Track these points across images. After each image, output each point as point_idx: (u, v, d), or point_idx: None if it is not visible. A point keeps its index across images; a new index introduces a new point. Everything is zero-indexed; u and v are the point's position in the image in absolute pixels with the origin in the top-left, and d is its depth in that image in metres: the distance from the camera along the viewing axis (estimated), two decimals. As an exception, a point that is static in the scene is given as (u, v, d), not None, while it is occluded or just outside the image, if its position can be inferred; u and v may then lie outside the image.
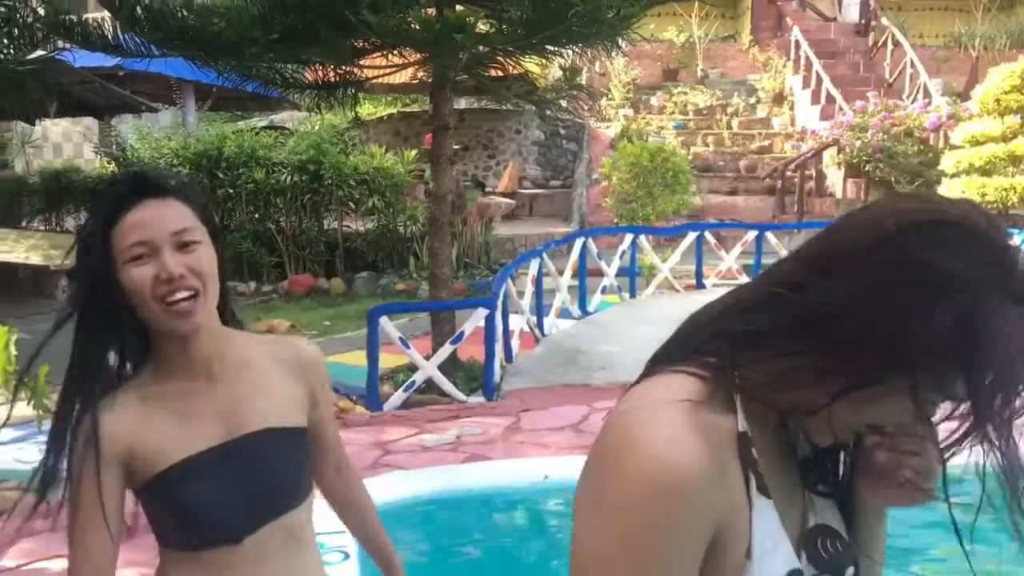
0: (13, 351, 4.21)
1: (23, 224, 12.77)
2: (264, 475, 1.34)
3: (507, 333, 6.66)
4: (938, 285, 0.77)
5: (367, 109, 15.68)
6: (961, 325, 0.76)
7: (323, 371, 1.49)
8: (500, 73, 6.48)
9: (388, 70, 6.22)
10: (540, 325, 7.53)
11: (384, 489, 4.15)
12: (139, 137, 12.16)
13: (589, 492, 0.85)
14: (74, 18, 4.61)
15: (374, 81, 6.86)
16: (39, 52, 4.35)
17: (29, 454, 5.14)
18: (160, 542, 1.35)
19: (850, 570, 0.93)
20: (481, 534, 3.77)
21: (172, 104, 12.83)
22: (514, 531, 3.79)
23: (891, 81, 14.52)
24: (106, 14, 4.63)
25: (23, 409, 5.03)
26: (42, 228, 13.00)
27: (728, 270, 9.90)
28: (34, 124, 12.04)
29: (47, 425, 4.96)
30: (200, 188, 10.60)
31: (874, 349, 0.79)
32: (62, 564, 3.44)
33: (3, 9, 3.85)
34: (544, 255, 8.02)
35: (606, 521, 0.82)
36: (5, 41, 3.74)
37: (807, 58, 15.16)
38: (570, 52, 6.82)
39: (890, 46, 14.88)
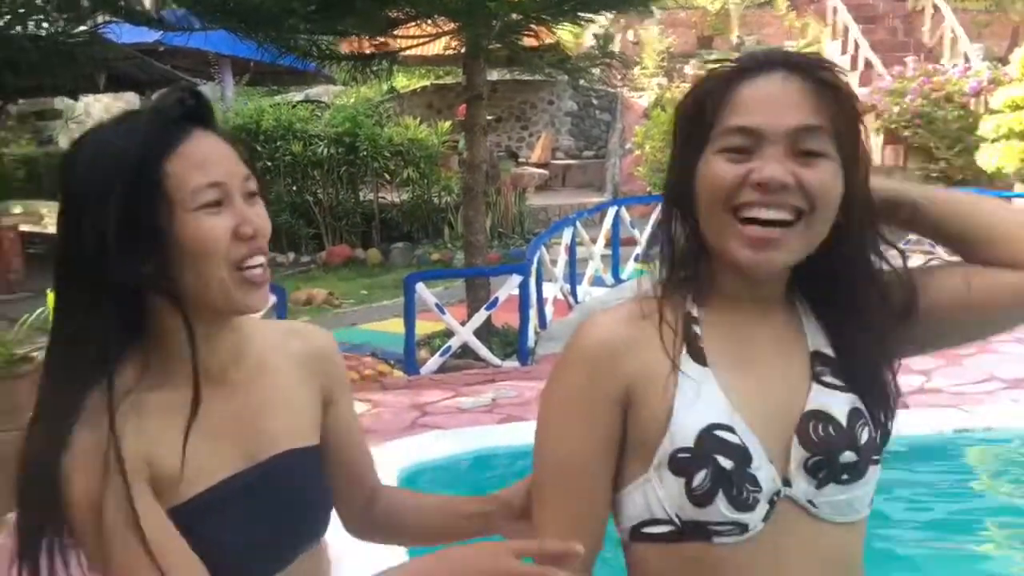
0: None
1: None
2: (295, 506, 1.11)
3: (541, 300, 6.77)
4: None
5: (401, 82, 15.77)
6: None
7: (341, 366, 1.24)
8: (533, 42, 6.52)
9: (422, 40, 6.30)
10: (574, 292, 7.62)
11: (421, 448, 4.30)
12: (179, 112, 12.38)
13: None
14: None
15: (408, 53, 6.94)
16: (83, 27, 4.48)
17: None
18: None
19: (847, 454, 0.99)
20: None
21: (210, 79, 13.03)
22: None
23: (931, 46, 14.25)
24: (148, -11, 4.76)
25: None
26: (87, 202, 13.31)
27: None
28: (77, 99, 12.30)
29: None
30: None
31: None
32: None
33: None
34: (577, 224, 8.09)
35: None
36: (54, 15, 3.87)
37: (845, 23, 14.92)
38: (603, 20, 6.83)
39: (930, 11, 14.58)
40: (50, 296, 4.52)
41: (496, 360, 5.93)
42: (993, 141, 9.90)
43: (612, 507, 1.05)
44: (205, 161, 0.98)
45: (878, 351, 1.05)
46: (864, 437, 1.01)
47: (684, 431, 0.97)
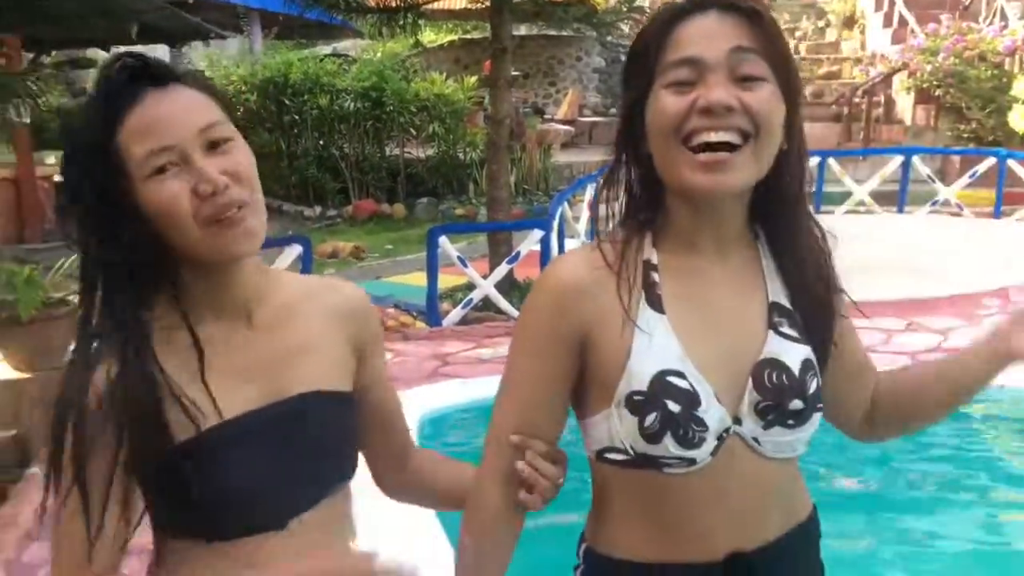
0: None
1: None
2: (316, 445, 1.11)
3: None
4: None
5: (428, 36, 15.69)
6: None
7: (375, 322, 1.26)
8: (559, -4, 6.50)
9: (448, -6, 6.30)
10: (596, 248, 7.66)
11: (442, 395, 4.43)
12: (209, 64, 12.46)
13: None
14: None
15: (434, 6, 6.95)
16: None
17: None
18: (165, 532, 1.08)
19: (795, 402, 1.08)
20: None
21: (239, 32, 13.06)
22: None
23: (967, 4, 13.92)
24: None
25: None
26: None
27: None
28: (109, 51, 12.39)
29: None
30: (269, 114, 10.88)
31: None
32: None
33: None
34: (600, 180, 8.10)
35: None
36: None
37: (881, -21, 14.62)
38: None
39: (969, -34, 14.22)
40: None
41: (516, 313, 6.01)
42: (1026, 101, 9.75)
43: (582, 431, 1.15)
44: (150, 126, 0.99)
45: (828, 305, 1.15)
46: (812, 387, 1.10)
47: (639, 375, 1.05)
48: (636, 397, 1.05)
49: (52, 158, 11.50)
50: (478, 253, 7.41)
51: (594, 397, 1.11)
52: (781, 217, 1.13)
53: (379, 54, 12.07)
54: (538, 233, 6.04)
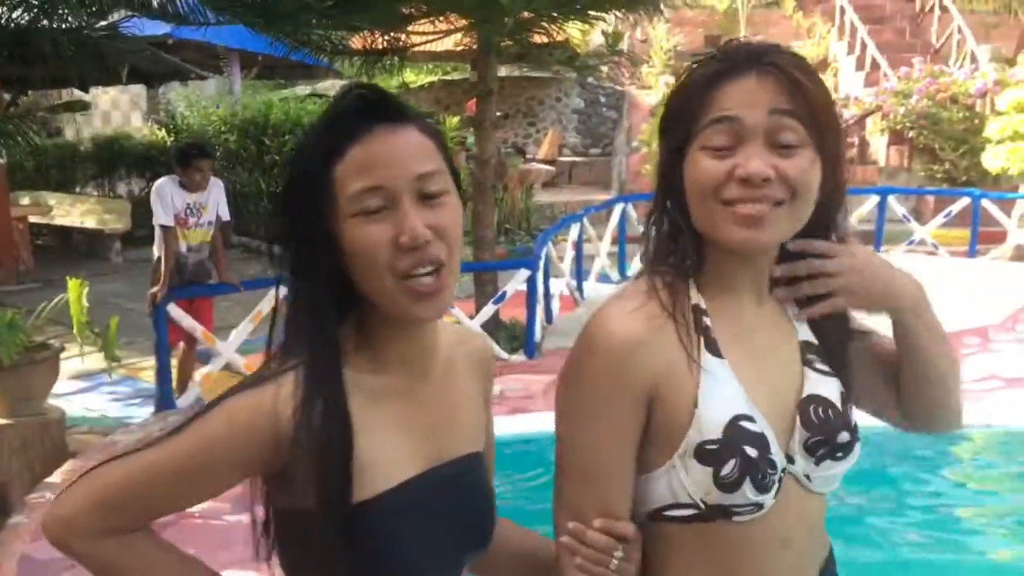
0: (85, 303, 4.47)
1: (77, 189, 13.16)
2: (470, 512, 1.08)
3: (548, 295, 6.83)
4: None
5: (409, 77, 15.81)
6: None
7: (494, 369, 1.23)
8: (543, 39, 6.58)
9: (434, 36, 6.36)
10: (580, 288, 7.69)
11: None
12: (187, 105, 12.45)
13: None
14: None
15: (418, 49, 7.00)
16: (104, 22, 4.55)
17: (98, 403, 5.46)
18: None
19: (843, 434, 1.10)
20: (519, 471, 4.01)
21: (219, 72, 13.08)
22: (547, 469, 4.02)
23: (938, 47, 14.29)
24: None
25: (93, 361, 5.33)
26: (95, 193, 13.40)
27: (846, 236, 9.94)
28: (87, 91, 12.37)
29: (116, 375, 5.22)
30: (249, 154, 10.87)
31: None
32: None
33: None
34: (585, 220, 8.16)
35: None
36: (79, 10, 3.94)
37: (852, 24, 14.96)
38: (613, 17, 6.89)
39: (937, 11, 14.61)
40: (71, 283, 4.61)
41: (503, 354, 6.00)
42: (998, 143, 9.95)
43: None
44: (369, 163, 0.95)
45: (848, 340, 1.17)
46: (854, 419, 1.12)
47: (710, 423, 1.03)
48: (709, 446, 1.03)
49: (27, 199, 11.39)
50: (464, 292, 7.39)
51: (652, 451, 1.07)
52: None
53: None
54: (524, 273, 6.04)
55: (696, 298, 1.09)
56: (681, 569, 1.09)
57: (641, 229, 1.11)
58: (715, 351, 1.07)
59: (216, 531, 3.44)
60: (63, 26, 3.96)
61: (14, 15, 3.94)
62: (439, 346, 1.08)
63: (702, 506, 1.05)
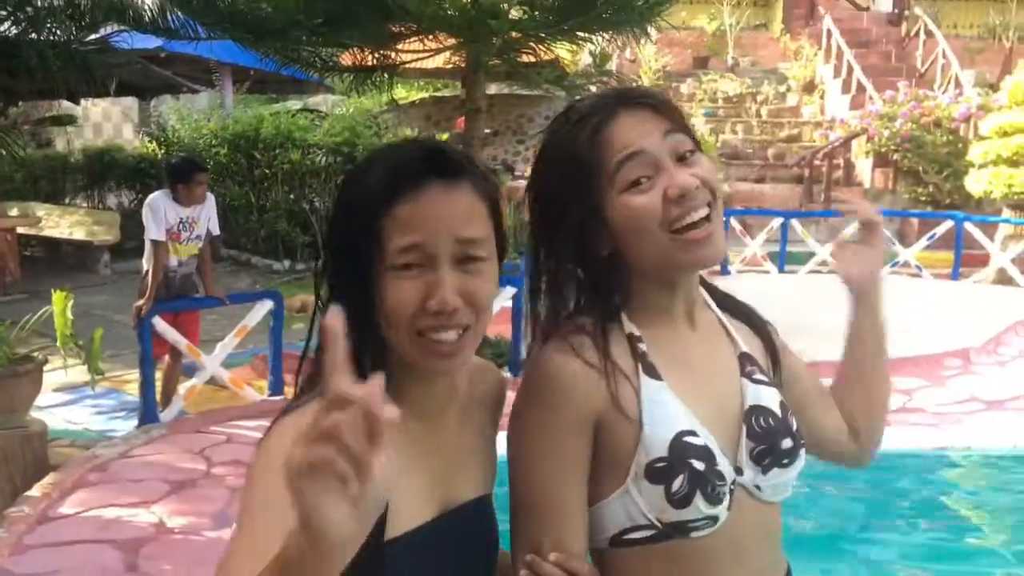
0: (70, 315, 4.47)
1: (66, 201, 13.14)
2: (475, 557, 1.08)
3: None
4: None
5: (400, 93, 15.85)
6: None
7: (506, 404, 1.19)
8: (532, 58, 6.64)
9: (423, 54, 6.41)
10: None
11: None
12: (179, 118, 12.47)
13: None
14: (126, 0, 4.84)
15: (409, 66, 7.05)
16: (94, 36, 4.58)
17: (81, 415, 5.44)
18: None
19: (786, 441, 1.14)
20: (501, 485, 4.00)
21: (211, 86, 13.12)
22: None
23: (923, 71, 14.47)
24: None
25: (77, 374, 5.32)
26: (85, 205, 13.37)
27: (753, 256, 10.02)
28: (77, 103, 12.38)
29: (100, 388, 5.19)
30: (239, 167, 10.87)
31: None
32: (115, 512, 3.72)
33: (65, -7, 4.09)
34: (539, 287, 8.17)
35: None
36: (68, 23, 3.97)
37: (839, 47, 15.14)
38: (601, 38, 6.96)
39: (922, 36, 14.81)
40: (55, 295, 4.61)
41: (489, 370, 6.01)
42: (981, 167, 10.08)
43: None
44: (413, 220, 0.94)
45: (771, 343, 1.25)
46: (794, 423, 1.16)
47: (656, 442, 1.06)
48: (658, 464, 1.06)
49: (15, 210, 11.37)
50: (449, 309, 7.39)
51: (604, 480, 1.09)
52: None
53: (351, 110, 12.17)
54: (511, 290, 6.07)
55: (630, 327, 1.13)
56: None
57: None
58: (654, 374, 1.10)
59: (196, 547, 3.44)
60: (52, 39, 3.98)
61: (1, 27, 3.96)
62: (457, 388, 1.08)
63: (659, 525, 1.07)
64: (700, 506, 1.05)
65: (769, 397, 1.16)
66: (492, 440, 1.15)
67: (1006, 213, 9.92)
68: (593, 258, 1.12)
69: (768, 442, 1.12)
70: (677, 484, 1.05)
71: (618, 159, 1.07)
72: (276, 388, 5.44)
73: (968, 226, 9.38)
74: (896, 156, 12.00)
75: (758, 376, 1.17)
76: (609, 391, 1.08)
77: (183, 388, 5.24)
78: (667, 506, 1.05)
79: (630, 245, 1.09)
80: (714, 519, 1.07)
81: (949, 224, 9.43)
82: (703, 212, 1.07)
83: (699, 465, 1.05)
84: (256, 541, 0.82)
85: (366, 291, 0.96)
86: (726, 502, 1.08)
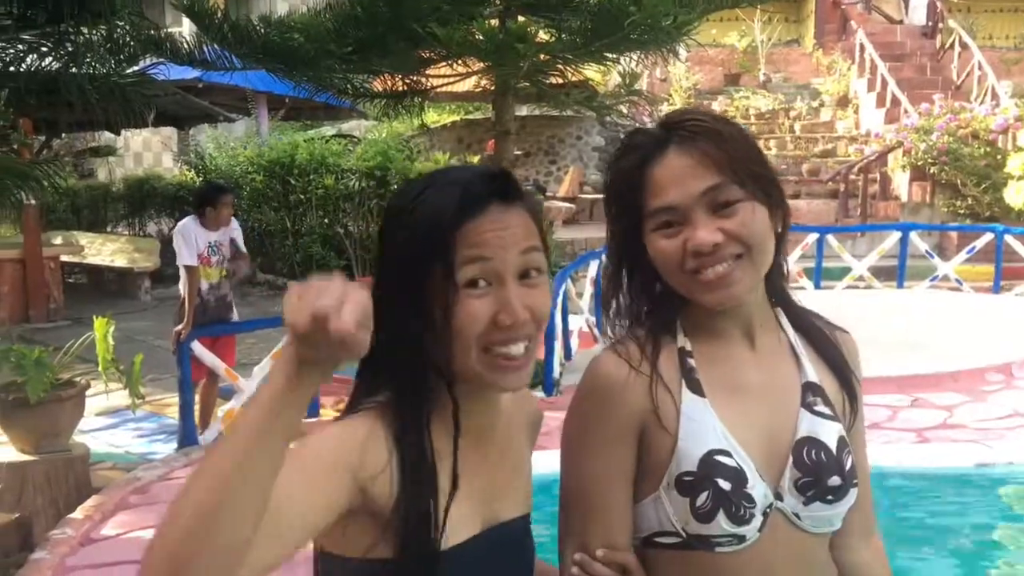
0: (111, 341, 4.57)
1: (108, 229, 13.45)
2: (517, 573, 1.12)
3: (567, 331, 6.86)
4: None
5: (431, 117, 16.04)
6: None
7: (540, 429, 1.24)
8: (560, 80, 6.69)
9: (452, 79, 6.49)
10: (599, 325, 7.71)
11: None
12: (216, 146, 12.73)
13: None
14: (164, 34, 4.98)
15: (439, 90, 7.14)
16: (133, 68, 4.71)
17: (122, 439, 5.54)
18: None
19: (835, 478, 1.13)
20: (537, 507, 4.00)
21: (247, 114, 13.38)
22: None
23: (959, 83, 14.29)
24: (183, 28, 4.99)
25: (118, 398, 5.43)
26: (126, 233, 13.67)
27: (788, 272, 9.92)
28: (119, 134, 12.70)
29: (141, 412, 5.29)
30: (275, 193, 11.06)
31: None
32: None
33: (104, 28, 4.21)
34: (603, 257, 8.19)
35: (567, 413, 1.19)
36: (107, 57, 4.10)
37: (872, 61, 15.02)
38: (630, 59, 6.99)
39: (957, 48, 14.64)
40: (97, 322, 4.72)
41: (522, 390, 6.02)
42: (1020, 178, 9.91)
43: None
44: (482, 241, 0.98)
45: (850, 384, 1.21)
46: (848, 463, 1.15)
47: (688, 457, 1.10)
48: (686, 478, 1.10)
49: (59, 238, 11.66)
50: (482, 330, 7.42)
51: (643, 482, 1.14)
52: (788, 296, 1.23)
53: (383, 134, 12.34)
54: (542, 311, 6.08)
55: (683, 341, 1.17)
56: None
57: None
58: (697, 390, 1.13)
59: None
60: (91, 72, 4.11)
61: (43, 63, 4.09)
62: (503, 409, 1.11)
63: (684, 535, 1.10)
64: (723, 524, 1.08)
65: (826, 431, 1.15)
66: (529, 461, 1.18)
67: (1047, 225, 9.74)
68: (646, 276, 1.17)
69: (814, 475, 1.13)
70: (702, 500, 1.08)
71: (651, 207, 1.11)
72: (312, 410, 5.49)
73: (1008, 238, 9.22)
74: (933, 169, 11.84)
75: (820, 408, 1.17)
76: (651, 401, 1.12)
77: (221, 411, 5.32)
78: (691, 519, 1.09)
79: (663, 274, 1.14)
80: (740, 538, 1.09)
81: (989, 237, 9.27)
82: (722, 268, 1.08)
83: (725, 485, 1.08)
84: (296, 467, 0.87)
85: (424, 308, 0.98)
86: (755, 523, 1.10)
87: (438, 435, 1.01)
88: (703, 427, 1.11)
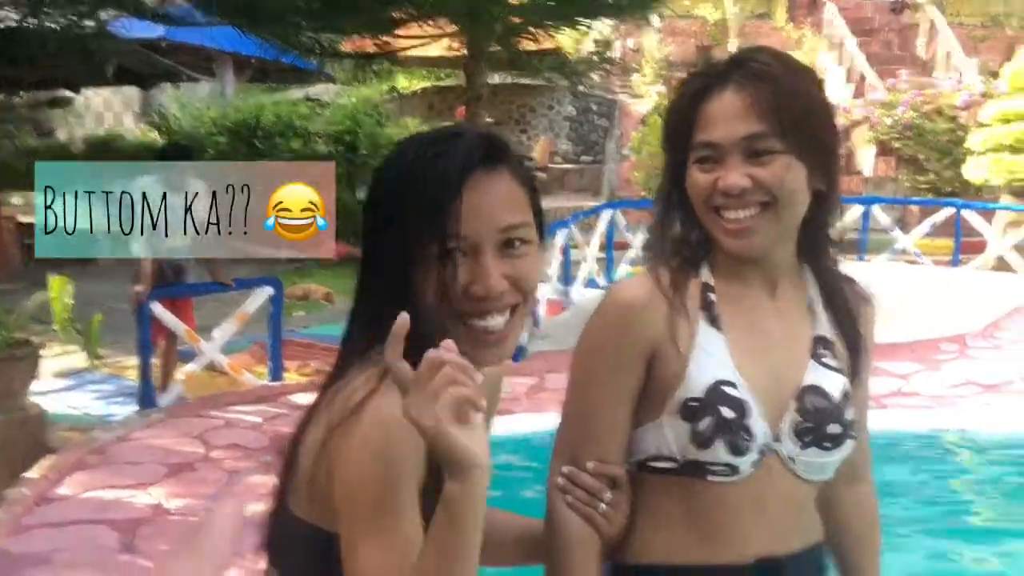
0: (69, 300, 4.50)
1: (68, 190, 13.17)
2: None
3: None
4: None
5: (402, 83, 15.86)
6: None
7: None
8: (533, 46, 6.65)
9: (423, 41, 6.42)
10: (567, 293, 7.73)
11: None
12: (179, 107, 12.48)
13: None
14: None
15: (409, 54, 7.07)
16: (91, 22, 4.59)
17: (81, 400, 5.48)
18: None
19: (834, 427, 1.17)
20: (504, 469, 4.03)
21: (211, 75, 13.11)
22: (532, 471, 4.04)
23: (926, 60, 14.42)
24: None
25: (78, 360, 5.35)
26: (86, 194, 13.38)
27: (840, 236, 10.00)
28: (78, 92, 12.39)
29: (100, 373, 5.25)
30: (240, 156, 10.89)
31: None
32: (113, 494, 3.74)
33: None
34: (572, 226, 8.20)
35: (581, 334, 1.22)
36: (67, 9, 3.98)
37: (841, 36, 15.08)
38: (603, 26, 6.95)
39: (925, 25, 14.75)
40: (52, 281, 4.64)
41: (487, 356, 6.03)
42: (981, 154, 10.04)
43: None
44: (470, 209, 0.95)
45: (858, 343, 1.24)
46: (849, 414, 1.18)
47: (696, 383, 1.14)
48: (691, 403, 1.13)
49: (17, 197, 11.39)
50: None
51: (645, 408, 1.18)
52: (822, 257, 1.24)
53: (352, 99, 12.16)
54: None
55: (707, 277, 1.20)
56: (661, 518, 1.19)
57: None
58: (715, 324, 1.17)
59: (193, 528, 3.47)
60: (52, 25, 4.00)
61: (1, 15, 3.97)
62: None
63: (679, 460, 1.14)
64: (720, 451, 1.12)
65: (831, 382, 1.19)
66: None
67: (1006, 200, 9.89)
68: (685, 209, 1.20)
69: (815, 422, 1.16)
70: (703, 425, 1.12)
71: (696, 139, 1.15)
72: (276, 374, 5.46)
73: (967, 213, 9.36)
74: (897, 144, 11.97)
75: (828, 360, 1.20)
76: (669, 324, 1.15)
77: (181, 373, 5.27)
78: (690, 444, 1.13)
79: (694, 207, 1.18)
80: (733, 468, 1.13)
81: (949, 211, 9.41)
82: (746, 212, 1.12)
83: (728, 414, 1.12)
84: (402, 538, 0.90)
85: (411, 276, 0.96)
86: (750, 458, 1.13)
87: None
88: (715, 359, 1.15)
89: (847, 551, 1.34)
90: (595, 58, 7.73)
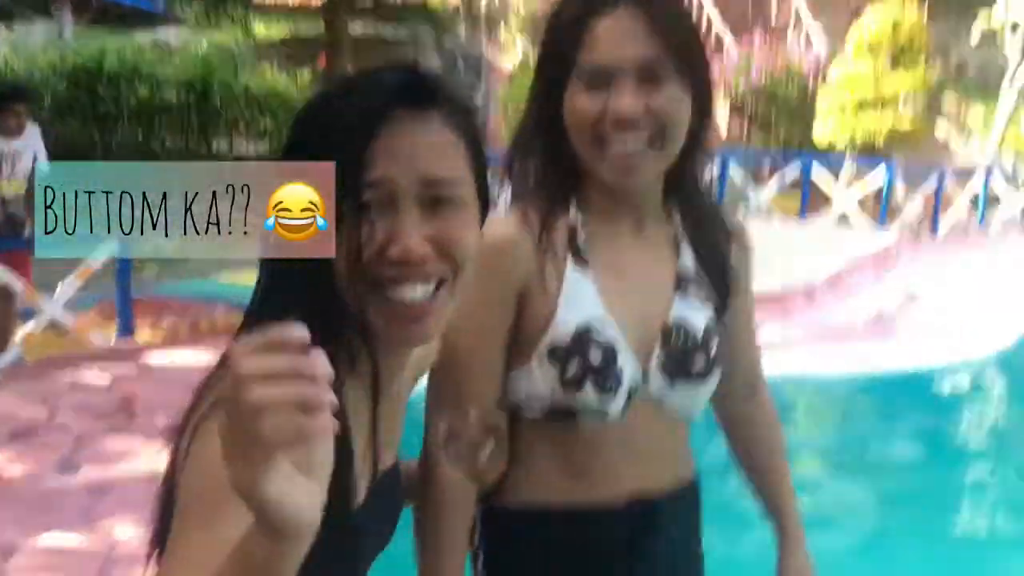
0: None
1: None
2: (390, 522, 1.02)
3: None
4: None
5: (260, 31, 15.17)
6: None
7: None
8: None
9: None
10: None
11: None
12: (12, 50, 11.48)
13: None
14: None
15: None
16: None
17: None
18: None
19: (698, 357, 1.16)
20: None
21: (48, 15, 12.14)
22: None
23: (775, 24, 15.02)
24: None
25: None
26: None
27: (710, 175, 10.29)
28: None
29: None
30: (80, 104, 10.17)
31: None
32: None
33: None
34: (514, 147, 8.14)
35: None
36: None
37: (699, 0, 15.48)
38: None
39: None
40: None
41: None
42: (826, 114, 10.61)
43: None
44: (385, 154, 0.80)
45: (724, 278, 1.23)
46: (714, 348, 1.19)
47: (564, 327, 1.11)
48: (560, 346, 1.11)
49: None
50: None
51: (515, 353, 1.15)
52: (692, 198, 1.21)
53: (205, 44, 11.53)
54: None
55: (574, 216, 1.15)
56: (533, 461, 1.18)
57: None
58: (582, 265, 1.14)
59: (38, 495, 3.29)
60: None
61: None
62: (412, 354, 0.96)
63: (549, 404, 1.13)
64: (589, 395, 1.10)
65: (696, 317, 1.18)
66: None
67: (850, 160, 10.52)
68: (555, 140, 1.13)
69: (680, 356, 1.16)
70: (572, 370, 1.10)
71: (583, 60, 1.07)
72: (125, 330, 5.18)
73: (815, 175, 9.89)
74: (750, 106, 12.48)
75: (691, 294, 1.19)
76: (538, 264, 1.12)
77: (21, 334, 4.93)
78: (559, 388, 1.11)
79: (571, 135, 1.10)
80: (602, 413, 1.12)
81: (798, 170, 9.91)
82: (635, 145, 1.06)
83: (596, 358, 1.10)
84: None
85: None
86: (619, 400, 1.12)
87: (352, 389, 0.84)
88: (582, 300, 1.12)
89: (759, 459, 1.39)
90: (460, 12, 7.60)
